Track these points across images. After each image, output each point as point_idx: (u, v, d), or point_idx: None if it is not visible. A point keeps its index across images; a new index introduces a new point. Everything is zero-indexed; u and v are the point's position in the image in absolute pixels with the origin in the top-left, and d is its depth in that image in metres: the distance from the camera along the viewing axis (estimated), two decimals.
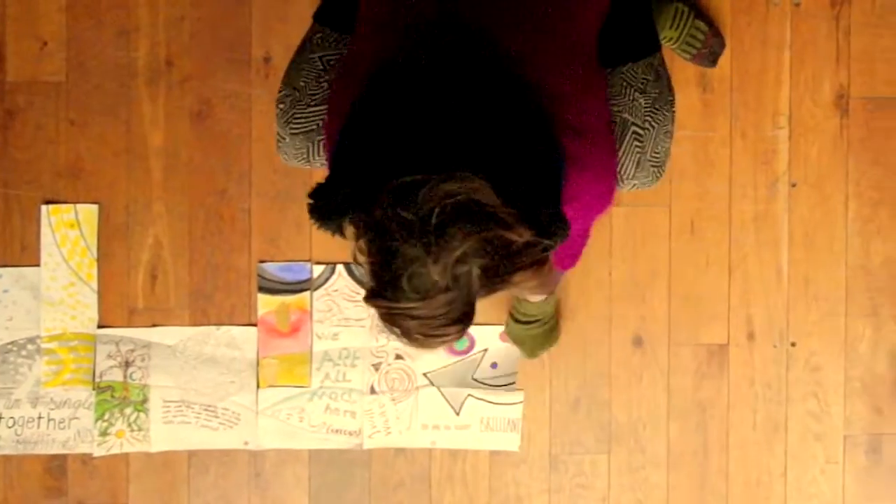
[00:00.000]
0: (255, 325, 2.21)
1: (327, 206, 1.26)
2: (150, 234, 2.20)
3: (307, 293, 2.20)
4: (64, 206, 2.19)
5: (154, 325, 2.20)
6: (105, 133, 2.20)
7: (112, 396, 2.19)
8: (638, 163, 1.66)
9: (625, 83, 1.65)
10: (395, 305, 1.18)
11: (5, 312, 2.19)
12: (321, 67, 1.73)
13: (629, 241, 2.22)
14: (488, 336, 2.21)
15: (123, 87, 2.20)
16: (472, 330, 2.20)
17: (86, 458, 2.20)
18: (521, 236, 1.17)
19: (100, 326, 2.20)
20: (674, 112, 1.72)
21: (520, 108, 1.33)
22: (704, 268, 2.22)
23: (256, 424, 2.21)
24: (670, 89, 1.72)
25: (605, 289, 2.22)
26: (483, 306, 1.24)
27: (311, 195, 1.28)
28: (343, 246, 1.31)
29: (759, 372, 2.22)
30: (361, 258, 1.22)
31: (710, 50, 2.12)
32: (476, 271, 1.16)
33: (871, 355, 2.23)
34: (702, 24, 2.09)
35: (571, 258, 1.81)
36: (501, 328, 2.20)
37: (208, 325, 2.21)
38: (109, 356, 2.19)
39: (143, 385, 2.19)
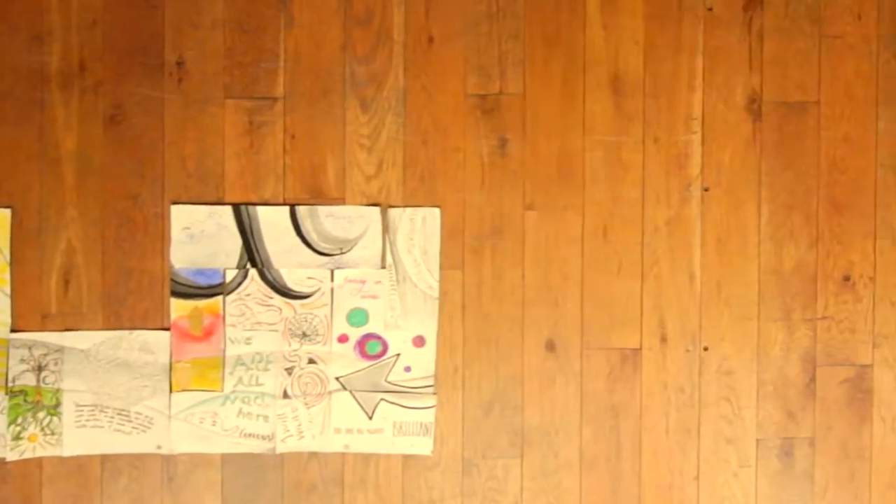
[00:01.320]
0: (168, 329, 2.21)
1: None
2: (63, 239, 2.20)
3: (220, 297, 2.21)
4: None
5: (67, 330, 2.20)
6: (18, 137, 2.20)
7: (25, 401, 2.19)
8: None
9: None
10: None
11: None
12: None
13: (542, 245, 2.22)
14: (402, 341, 2.21)
15: (36, 92, 2.20)
16: (386, 334, 2.21)
17: None
18: None
19: (13, 331, 2.19)
20: None
21: None
22: (617, 272, 2.22)
23: (169, 428, 2.21)
24: None
25: (518, 293, 2.22)
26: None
27: None
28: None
29: (672, 376, 2.22)
30: None
31: None
32: None
33: (783, 359, 2.23)
34: None
35: None
36: (416, 333, 2.21)
37: (121, 329, 2.21)
38: (22, 360, 2.19)
39: (56, 389, 2.19)
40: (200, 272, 2.21)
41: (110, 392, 2.20)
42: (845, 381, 2.24)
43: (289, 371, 2.21)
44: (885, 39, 2.22)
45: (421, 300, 2.21)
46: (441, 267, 2.21)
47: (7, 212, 2.19)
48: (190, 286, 2.20)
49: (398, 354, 2.22)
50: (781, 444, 2.24)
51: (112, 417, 2.20)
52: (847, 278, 2.23)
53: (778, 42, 2.22)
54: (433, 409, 2.22)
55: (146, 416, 2.21)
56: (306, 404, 2.21)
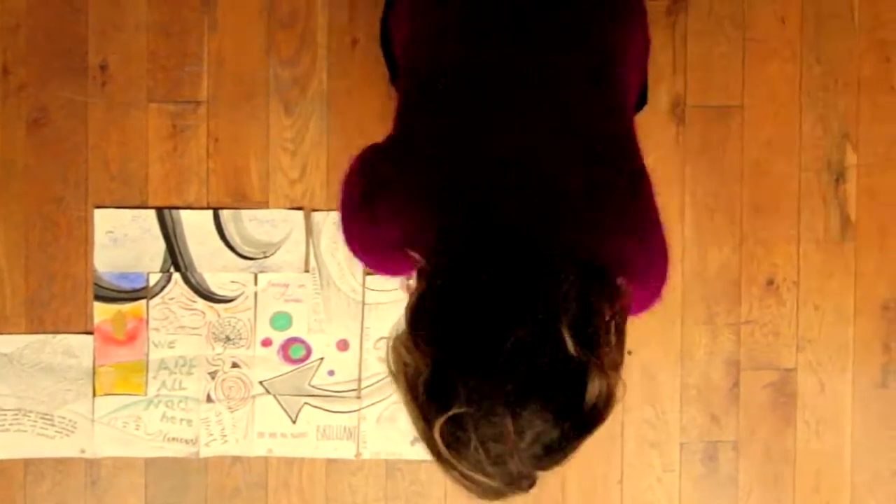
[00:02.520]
0: (91, 333, 2.20)
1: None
2: None
3: (143, 301, 2.20)
4: None
5: None
6: None
7: None
8: None
9: None
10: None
11: None
12: None
13: None
14: (326, 344, 2.21)
15: None
16: (309, 338, 2.21)
17: None
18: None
19: None
20: None
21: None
22: None
23: (93, 432, 2.21)
24: None
25: None
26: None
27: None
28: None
29: None
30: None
31: None
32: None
33: (706, 363, 2.24)
34: None
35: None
36: (340, 337, 2.21)
37: (45, 333, 2.21)
38: None
39: None
40: (124, 276, 2.20)
41: (34, 396, 2.20)
42: (769, 385, 2.24)
43: (212, 375, 2.21)
44: (807, 43, 2.23)
45: (345, 304, 2.21)
46: (364, 271, 2.20)
47: None
48: (113, 290, 2.20)
49: (322, 358, 2.22)
50: (705, 447, 2.24)
51: (35, 421, 2.20)
52: (771, 282, 2.24)
53: (701, 46, 2.22)
54: (357, 413, 2.21)
55: (70, 420, 2.20)
56: (230, 408, 2.21)
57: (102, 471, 2.21)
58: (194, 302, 2.20)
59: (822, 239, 2.23)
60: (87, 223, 2.20)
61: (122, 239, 2.20)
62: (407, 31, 1.53)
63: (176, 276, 2.20)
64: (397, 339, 1.17)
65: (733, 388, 2.23)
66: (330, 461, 2.22)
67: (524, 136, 1.30)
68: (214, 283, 2.21)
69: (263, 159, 2.21)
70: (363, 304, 2.21)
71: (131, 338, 2.21)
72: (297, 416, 2.21)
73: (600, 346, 1.13)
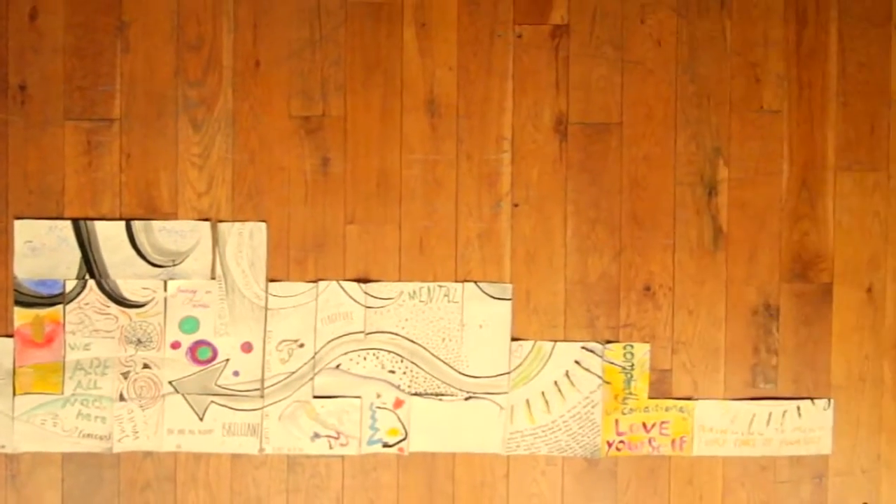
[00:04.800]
0: (11, 336, 2.35)
1: None
2: None
3: (60, 306, 2.35)
4: None
5: None
6: None
7: None
8: None
9: None
10: None
11: None
12: None
13: (362, 257, 2.36)
14: (231, 347, 2.35)
15: None
16: (216, 341, 2.35)
17: None
18: None
19: None
20: None
21: None
22: (433, 281, 2.36)
23: (13, 429, 2.35)
24: None
25: None
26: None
27: None
28: None
29: None
30: None
31: None
32: None
33: None
34: None
35: None
36: (244, 339, 2.35)
37: None
38: None
39: None
40: (42, 282, 2.35)
41: None
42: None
43: (125, 375, 2.36)
44: (682, 65, 2.37)
45: (248, 309, 2.36)
46: (267, 278, 2.35)
47: None
48: (32, 296, 2.35)
49: (227, 360, 2.36)
50: None
51: None
52: (648, 288, 2.38)
53: (583, 67, 2.36)
54: (260, 411, 2.36)
55: None
56: (141, 406, 2.36)
57: (21, 465, 2.36)
58: (108, 307, 2.35)
59: (695, 248, 2.37)
60: (8, 233, 2.35)
61: (40, 248, 2.35)
62: None
63: (91, 282, 2.35)
64: None
65: None
66: (235, 456, 2.37)
67: None
68: (127, 290, 2.35)
69: (172, 173, 2.35)
70: (266, 309, 2.36)
71: (49, 340, 2.35)
72: (204, 414, 2.36)
73: None
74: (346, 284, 2.36)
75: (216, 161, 2.35)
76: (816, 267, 2.38)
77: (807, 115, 2.37)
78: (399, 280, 2.36)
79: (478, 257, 2.37)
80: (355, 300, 2.36)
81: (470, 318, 2.37)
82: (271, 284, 2.35)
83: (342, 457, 2.37)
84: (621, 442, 2.38)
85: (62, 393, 2.36)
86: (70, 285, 2.35)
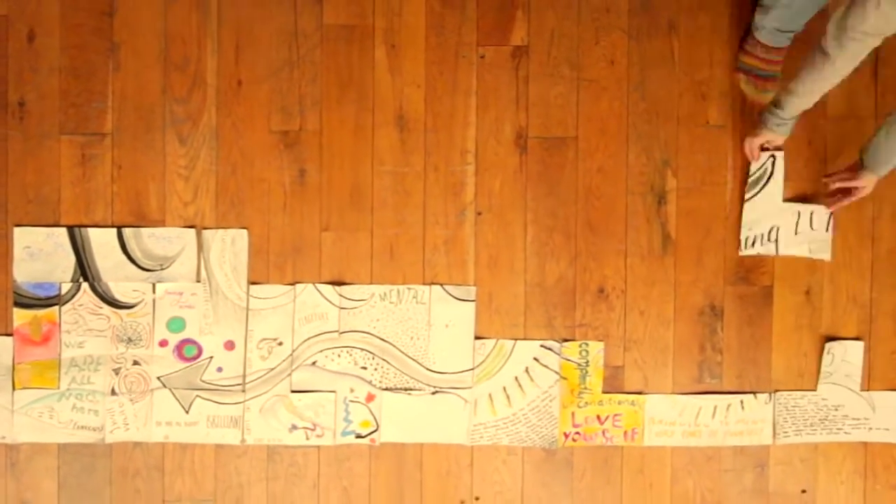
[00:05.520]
0: (11, 335, 2.52)
1: None
2: None
3: (56, 307, 2.53)
4: None
5: None
6: None
7: None
8: None
9: None
10: None
11: None
12: None
13: (336, 262, 2.53)
14: (215, 345, 2.53)
15: None
16: (201, 339, 2.53)
17: None
18: None
19: None
20: None
21: None
22: (402, 284, 2.52)
23: (12, 421, 2.53)
24: None
25: None
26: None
27: None
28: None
29: None
30: None
31: None
32: None
33: None
34: None
35: None
36: (227, 338, 2.53)
37: None
38: None
39: None
40: (39, 285, 2.52)
41: None
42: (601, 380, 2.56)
43: (116, 371, 2.53)
44: (634, 83, 2.53)
45: (231, 310, 2.53)
46: (248, 280, 2.52)
47: None
48: (30, 297, 2.52)
49: (211, 357, 2.54)
50: None
51: None
52: (601, 290, 2.54)
53: (541, 85, 2.53)
54: (242, 405, 2.54)
55: None
56: (131, 400, 2.54)
57: (20, 455, 2.53)
58: (101, 308, 2.52)
59: (646, 253, 2.54)
60: (8, 240, 2.52)
61: (37, 253, 2.52)
62: None
63: (84, 285, 2.53)
64: None
65: None
66: (218, 446, 2.55)
67: None
68: (118, 292, 2.53)
69: (160, 184, 2.53)
70: (247, 309, 2.54)
71: (46, 339, 2.53)
72: (189, 407, 2.54)
73: None
74: (321, 287, 2.53)
75: (201, 172, 2.52)
76: (758, 270, 2.55)
77: (749, 129, 2.53)
78: (371, 283, 2.53)
79: (444, 262, 2.53)
80: (330, 301, 2.53)
81: (436, 319, 2.53)
82: (252, 287, 2.52)
83: (318, 447, 2.54)
84: (577, 433, 2.54)
85: (58, 388, 2.53)
86: (65, 288, 2.52)
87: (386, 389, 2.54)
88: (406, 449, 2.54)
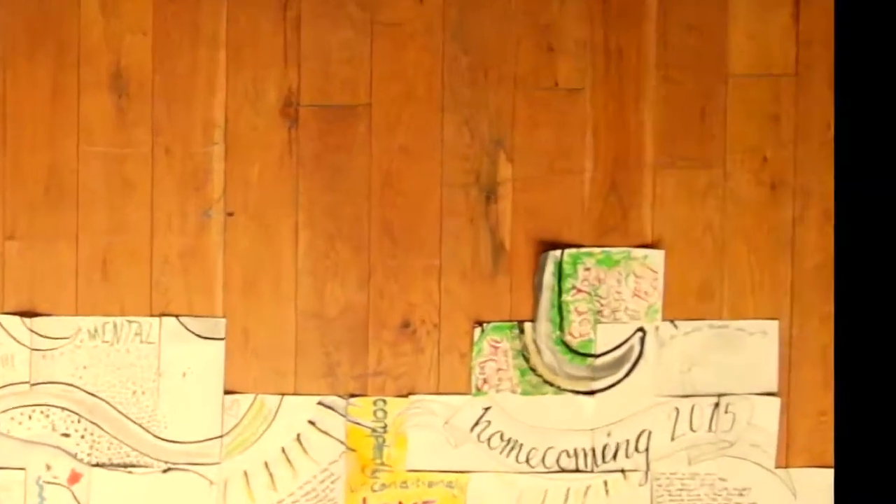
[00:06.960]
0: None
1: None
2: None
3: None
4: None
5: None
6: None
7: None
8: None
9: None
10: None
11: None
12: None
13: (26, 282, 1.85)
14: None
15: None
16: None
17: None
18: None
19: None
20: None
21: None
22: (120, 315, 1.86)
23: None
24: None
25: None
26: None
27: None
28: None
29: None
30: None
31: None
32: None
33: None
34: None
35: None
36: None
37: None
38: None
39: None
40: None
41: None
42: None
43: None
44: (452, 28, 1.87)
45: None
46: None
47: None
48: None
49: None
50: None
51: None
52: (406, 325, 1.86)
53: (319, 30, 1.87)
54: None
55: None
56: None
57: None
58: None
59: (469, 271, 1.87)
60: None
61: None
62: None
63: None
64: None
65: None
66: None
67: None
68: None
69: None
70: None
71: None
72: None
73: None
74: (4, 319, 1.87)
75: None
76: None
77: (617, 94, 1.86)
78: (75, 314, 1.88)
79: (180, 283, 1.87)
80: (17, 340, 1.88)
81: (169, 365, 1.89)
82: None
83: None
84: None
85: None
86: None
87: (97, 465, 1.89)
88: None
